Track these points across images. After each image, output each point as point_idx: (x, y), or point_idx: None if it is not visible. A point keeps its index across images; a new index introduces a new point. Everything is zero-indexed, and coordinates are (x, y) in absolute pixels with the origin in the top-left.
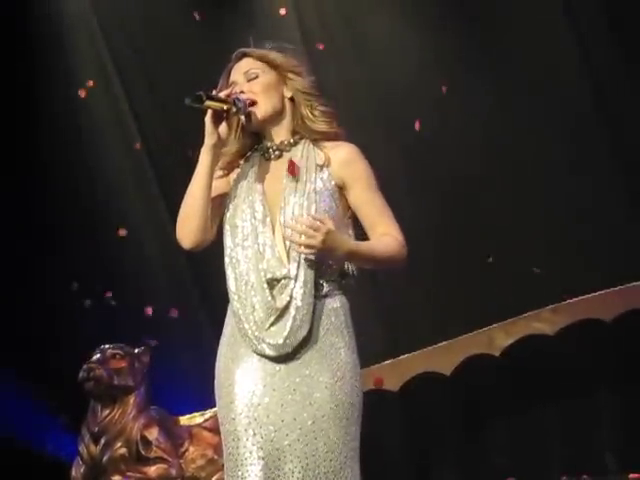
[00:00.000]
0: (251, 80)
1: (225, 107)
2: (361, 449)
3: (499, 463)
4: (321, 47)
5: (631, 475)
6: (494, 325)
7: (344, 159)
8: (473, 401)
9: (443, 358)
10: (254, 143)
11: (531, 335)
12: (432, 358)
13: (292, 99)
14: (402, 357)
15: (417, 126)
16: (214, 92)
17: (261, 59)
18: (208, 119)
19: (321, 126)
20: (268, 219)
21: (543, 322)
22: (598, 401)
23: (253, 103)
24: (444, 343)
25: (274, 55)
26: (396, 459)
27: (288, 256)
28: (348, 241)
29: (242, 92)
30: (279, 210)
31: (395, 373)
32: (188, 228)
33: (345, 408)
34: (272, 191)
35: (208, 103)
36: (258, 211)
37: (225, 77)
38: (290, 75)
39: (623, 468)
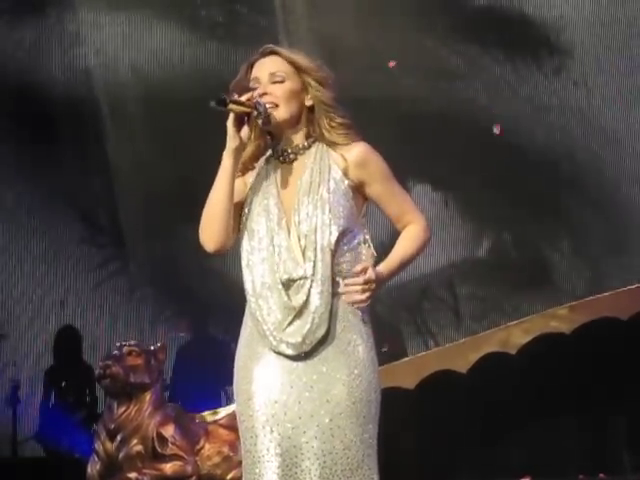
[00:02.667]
0: (276, 83)
1: (247, 111)
2: (378, 447)
3: (516, 461)
4: None
5: None
6: (511, 323)
7: (358, 160)
8: (489, 399)
9: (459, 356)
10: (267, 145)
11: (548, 333)
12: (448, 356)
13: (312, 107)
14: (419, 355)
15: None
16: (235, 96)
17: (290, 62)
18: (230, 123)
19: (337, 138)
20: (283, 221)
21: (559, 320)
22: (615, 399)
23: (275, 106)
24: (461, 341)
25: (303, 60)
26: (413, 457)
27: (304, 256)
28: (385, 272)
29: (265, 94)
30: (293, 212)
31: (412, 371)
32: (211, 231)
33: (362, 405)
34: (287, 193)
35: (231, 107)
36: (273, 213)
37: (246, 69)
38: (314, 84)
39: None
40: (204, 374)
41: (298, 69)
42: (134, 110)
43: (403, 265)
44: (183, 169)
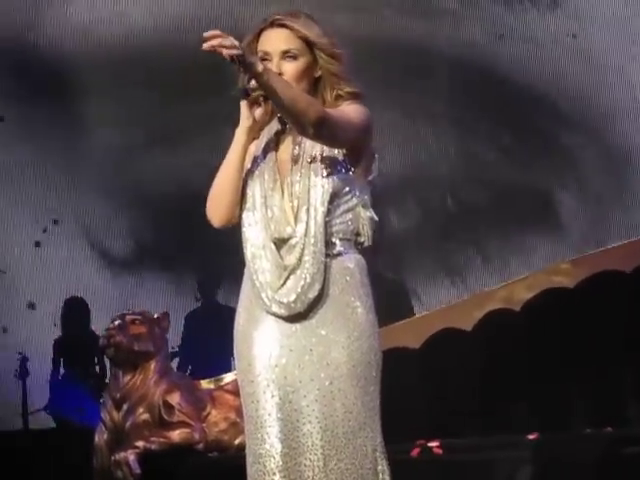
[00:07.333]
0: (287, 59)
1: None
2: (382, 408)
3: (522, 418)
4: None
5: None
6: (514, 279)
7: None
8: (494, 356)
9: (463, 314)
10: (272, 116)
11: (551, 288)
12: (452, 314)
13: (319, 78)
14: (422, 314)
15: None
16: (252, 82)
17: (302, 37)
18: (244, 103)
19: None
20: (277, 183)
21: (563, 275)
22: (619, 353)
23: None
24: (464, 299)
25: (315, 35)
26: (417, 417)
27: (296, 217)
28: (269, 72)
29: (280, 74)
30: (288, 174)
31: (416, 330)
32: (219, 207)
33: (363, 368)
34: (284, 158)
35: (252, 95)
36: (269, 176)
37: (253, 40)
38: (326, 57)
39: None
40: (213, 341)
41: (310, 44)
42: (127, 66)
43: (282, 90)
44: (172, 123)
